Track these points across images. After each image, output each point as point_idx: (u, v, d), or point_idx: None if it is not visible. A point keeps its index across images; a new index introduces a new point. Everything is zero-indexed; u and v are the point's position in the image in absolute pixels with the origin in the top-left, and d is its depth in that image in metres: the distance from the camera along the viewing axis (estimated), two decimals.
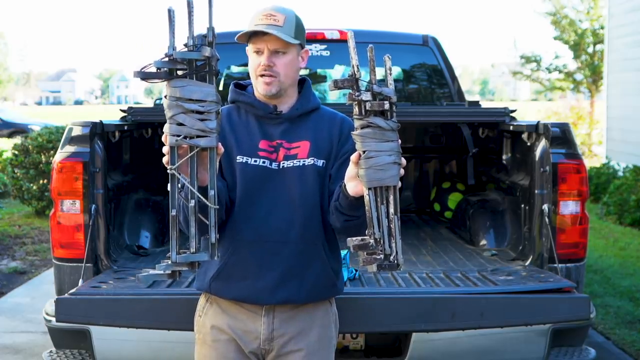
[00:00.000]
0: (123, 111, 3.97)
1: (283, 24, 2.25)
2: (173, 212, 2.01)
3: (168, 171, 2.02)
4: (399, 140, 2.07)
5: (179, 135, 1.99)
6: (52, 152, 9.19)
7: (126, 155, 4.11)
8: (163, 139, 2.03)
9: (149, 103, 35.60)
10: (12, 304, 5.92)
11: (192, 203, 2.01)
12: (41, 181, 9.34)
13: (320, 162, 2.30)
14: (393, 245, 2.03)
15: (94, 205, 3.39)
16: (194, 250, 2.03)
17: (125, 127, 3.89)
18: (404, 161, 2.10)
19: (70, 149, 3.42)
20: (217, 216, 2.03)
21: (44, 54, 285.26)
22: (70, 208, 3.40)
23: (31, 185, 9.34)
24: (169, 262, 2.01)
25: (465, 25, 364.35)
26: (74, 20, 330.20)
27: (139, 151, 4.27)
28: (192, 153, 2.01)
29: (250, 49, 2.30)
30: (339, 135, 2.36)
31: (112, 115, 4.56)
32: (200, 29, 2.07)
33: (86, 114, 47.25)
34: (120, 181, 3.89)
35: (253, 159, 2.28)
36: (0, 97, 61.43)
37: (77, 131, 3.43)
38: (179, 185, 2.03)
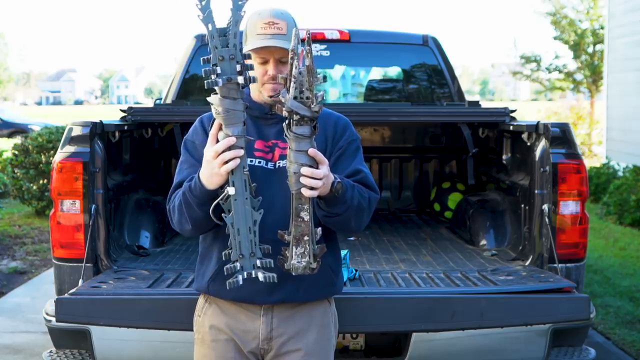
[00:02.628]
0: (123, 111, 3.97)
1: (286, 31, 2.26)
2: (259, 216, 2.11)
3: (244, 173, 2.09)
4: (308, 150, 2.04)
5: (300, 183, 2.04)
6: (52, 152, 9.18)
7: (126, 155, 4.11)
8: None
9: (149, 103, 35.61)
10: (12, 304, 5.92)
11: (261, 212, 2.11)
12: (41, 181, 9.34)
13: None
14: (287, 252, 2.10)
15: (94, 205, 3.39)
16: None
17: (125, 127, 3.89)
18: (309, 181, 2.04)
19: (70, 149, 3.42)
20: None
21: (44, 54, 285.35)
22: (70, 208, 3.40)
23: (31, 185, 9.34)
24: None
25: (465, 25, 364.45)
26: (74, 20, 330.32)
27: (139, 151, 4.27)
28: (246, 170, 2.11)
29: (253, 56, 2.30)
30: (333, 133, 2.37)
31: (112, 115, 4.56)
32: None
33: (86, 114, 47.29)
34: (120, 181, 3.89)
35: (249, 159, 2.28)
36: (0, 97, 61.39)
37: (77, 131, 3.43)
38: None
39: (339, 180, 2.13)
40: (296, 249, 2.09)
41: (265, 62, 2.28)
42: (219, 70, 2.03)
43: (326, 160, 2.07)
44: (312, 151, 2.04)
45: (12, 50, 57.33)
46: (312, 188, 2.03)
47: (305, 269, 2.11)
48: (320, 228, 2.12)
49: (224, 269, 2.11)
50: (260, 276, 2.09)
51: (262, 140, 2.33)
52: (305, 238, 2.08)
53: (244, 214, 2.07)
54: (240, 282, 2.08)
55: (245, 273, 2.09)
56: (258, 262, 2.09)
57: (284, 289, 2.28)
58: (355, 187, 2.23)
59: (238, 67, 2.05)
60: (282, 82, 2.06)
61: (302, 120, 2.02)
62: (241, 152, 2.05)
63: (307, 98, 2.01)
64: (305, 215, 2.07)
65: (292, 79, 2.01)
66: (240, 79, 2.05)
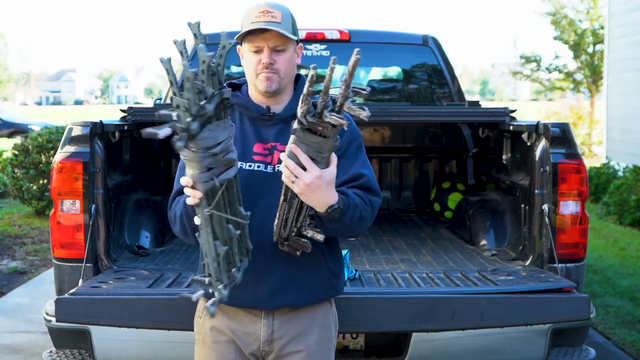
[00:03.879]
0: (123, 111, 3.97)
1: (281, 20, 2.23)
2: (223, 250, 1.94)
3: (206, 213, 1.93)
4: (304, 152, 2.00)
5: (211, 179, 1.92)
6: (52, 152, 9.18)
7: (126, 155, 4.11)
8: (185, 183, 1.94)
9: (149, 103, 35.59)
10: (12, 304, 5.92)
11: (236, 232, 1.97)
12: (41, 181, 9.34)
13: None
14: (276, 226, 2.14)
15: (94, 205, 3.39)
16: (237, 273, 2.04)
17: (125, 127, 3.88)
18: (286, 172, 2.02)
19: (70, 149, 3.42)
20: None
21: (44, 54, 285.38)
22: (70, 208, 3.40)
23: (31, 185, 9.34)
24: (221, 296, 1.97)
25: (465, 25, 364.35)
26: (74, 20, 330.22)
27: (139, 151, 4.27)
28: (222, 188, 1.95)
29: (247, 47, 2.26)
30: None
31: (112, 115, 4.56)
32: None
33: (86, 114, 47.30)
34: (120, 181, 3.89)
35: (248, 164, 2.25)
36: (0, 97, 61.39)
37: (77, 131, 3.43)
38: (215, 219, 1.95)
39: (337, 207, 2.06)
40: (283, 229, 2.08)
41: (258, 51, 2.23)
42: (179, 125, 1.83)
43: (317, 172, 1.99)
44: (295, 149, 1.97)
45: (12, 50, 57.38)
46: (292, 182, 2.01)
47: (283, 246, 2.10)
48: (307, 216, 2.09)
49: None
50: (216, 294, 1.98)
51: (261, 142, 2.29)
52: (286, 220, 2.06)
53: (208, 246, 1.96)
54: (195, 298, 1.98)
55: (202, 292, 1.99)
56: (220, 288, 1.97)
57: (286, 294, 2.26)
58: (357, 207, 2.15)
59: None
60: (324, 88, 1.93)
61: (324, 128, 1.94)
62: (198, 194, 1.93)
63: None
64: (287, 198, 2.05)
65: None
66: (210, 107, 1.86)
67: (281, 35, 2.21)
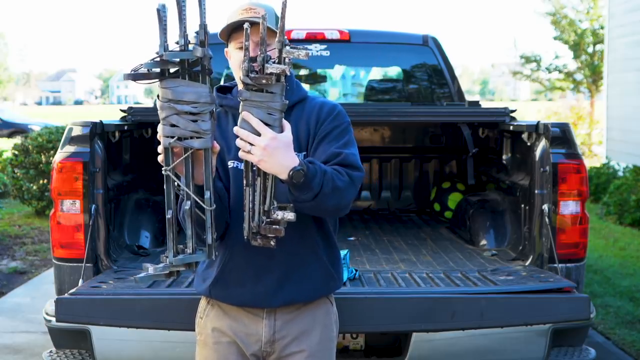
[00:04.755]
0: (123, 111, 3.97)
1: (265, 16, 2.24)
2: (169, 215, 1.99)
3: (163, 172, 2.00)
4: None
5: (172, 137, 1.96)
6: (52, 152, 9.19)
7: (126, 155, 4.11)
8: (158, 137, 2.01)
9: (149, 103, 35.58)
10: (12, 304, 5.92)
11: (187, 205, 2.00)
12: (41, 181, 9.34)
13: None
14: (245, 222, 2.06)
15: (94, 205, 3.39)
16: (191, 251, 2.02)
17: (125, 127, 3.89)
18: (241, 143, 2.00)
19: (70, 149, 3.42)
20: (213, 216, 2.01)
21: (44, 54, 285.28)
22: (70, 208, 3.40)
23: (31, 185, 9.34)
24: (166, 263, 2.00)
25: (465, 25, 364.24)
26: (74, 20, 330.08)
27: (139, 151, 4.27)
28: (186, 154, 1.98)
29: (232, 46, 2.28)
30: (316, 120, 2.29)
31: (112, 115, 4.56)
32: (194, 27, 2.05)
33: (86, 114, 47.31)
34: (120, 181, 3.89)
35: (236, 162, 2.26)
36: (0, 97, 61.39)
37: (77, 131, 3.43)
38: (175, 185, 2.01)
39: (299, 168, 2.01)
40: (252, 221, 2.04)
41: (242, 47, 2.23)
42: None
43: (271, 134, 1.97)
44: (246, 115, 1.97)
45: (12, 50, 57.40)
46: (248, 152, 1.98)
47: (255, 240, 2.05)
48: (273, 200, 2.04)
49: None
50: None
51: None
52: (253, 207, 2.03)
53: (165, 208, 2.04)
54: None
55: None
56: (166, 260, 2.02)
57: (286, 291, 2.27)
58: (327, 173, 2.09)
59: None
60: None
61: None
62: (160, 148, 2.00)
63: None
64: (249, 182, 2.03)
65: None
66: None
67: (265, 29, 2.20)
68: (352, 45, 5.37)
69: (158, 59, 1.93)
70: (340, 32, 5.27)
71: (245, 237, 2.07)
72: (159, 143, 2.01)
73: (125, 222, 3.93)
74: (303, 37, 5.11)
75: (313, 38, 5.14)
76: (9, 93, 70.55)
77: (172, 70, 1.96)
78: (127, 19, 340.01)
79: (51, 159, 8.80)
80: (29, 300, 5.98)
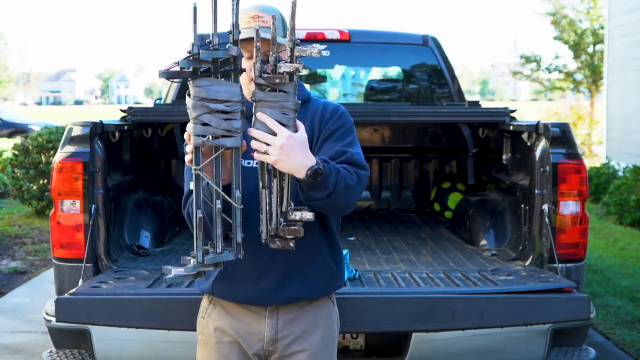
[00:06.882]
0: (123, 111, 3.97)
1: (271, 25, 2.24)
2: (199, 214, 1.96)
3: (192, 172, 1.98)
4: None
5: (204, 136, 1.95)
6: (52, 152, 9.19)
7: (126, 155, 4.11)
8: (186, 137, 2.00)
9: (149, 103, 35.60)
10: (12, 304, 5.92)
11: (218, 204, 1.98)
12: (41, 181, 9.34)
13: None
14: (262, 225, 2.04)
15: (94, 205, 3.39)
16: (219, 250, 2.01)
17: (125, 127, 3.89)
18: (257, 144, 2.00)
19: (70, 149, 3.42)
20: (242, 216, 2.01)
21: (44, 54, 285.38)
22: (70, 208, 3.40)
23: (31, 185, 9.34)
24: (196, 263, 1.98)
25: (465, 25, 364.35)
26: (74, 20, 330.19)
27: (139, 151, 4.27)
28: (217, 153, 1.97)
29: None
30: (319, 120, 2.31)
31: (112, 115, 4.56)
32: (224, 26, 2.05)
33: (86, 114, 47.31)
34: (120, 181, 3.89)
35: (247, 161, 2.26)
36: (0, 97, 61.41)
37: (77, 131, 3.43)
38: (203, 185, 2.00)
39: (317, 167, 2.02)
40: (269, 223, 2.04)
41: (251, 57, 2.23)
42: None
43: (288, 132, 1.98)
44: (261, 116, 1.97)
45: (12, 50, 57.45)
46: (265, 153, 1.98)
47: (274, 243, 2.05)
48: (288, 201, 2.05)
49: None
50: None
51: None
52: (270, 209, 2.03)
53: (193, 211, 2.01)
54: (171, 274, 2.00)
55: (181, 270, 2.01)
56: (192, 261, 2.00)
57: (289, 288, 2.27)
58: (340, 172, 2.12)
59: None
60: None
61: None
62: (189, 148, 1.99)
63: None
64: (265, 184, 2.03)
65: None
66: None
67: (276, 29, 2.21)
68: (352, 45, 5.37)
69: (192, 58, 1.91)
70: (340, 32, 5.27)
71: (263, 241, 2.06)
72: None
73: (125, 222, 3.94)
74: (303, 37, 5.11)
75: (313, 38, 5.14)
76: (9, 93, 70.57)
77: (203, 68, 1.96)
78: (127, 19, 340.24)
79: (51, 159, 8.80)
80: (29, 300, 5.98)
